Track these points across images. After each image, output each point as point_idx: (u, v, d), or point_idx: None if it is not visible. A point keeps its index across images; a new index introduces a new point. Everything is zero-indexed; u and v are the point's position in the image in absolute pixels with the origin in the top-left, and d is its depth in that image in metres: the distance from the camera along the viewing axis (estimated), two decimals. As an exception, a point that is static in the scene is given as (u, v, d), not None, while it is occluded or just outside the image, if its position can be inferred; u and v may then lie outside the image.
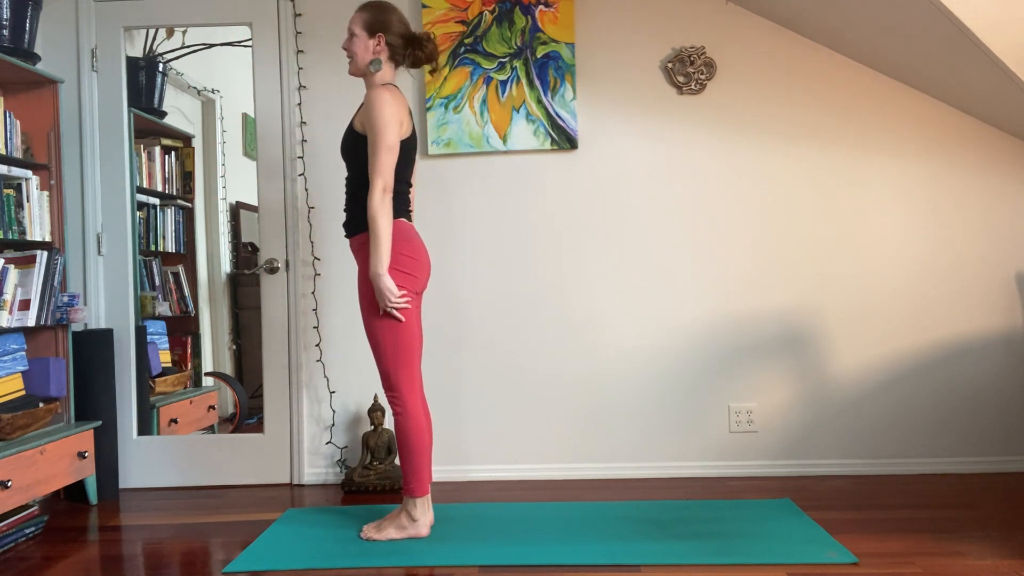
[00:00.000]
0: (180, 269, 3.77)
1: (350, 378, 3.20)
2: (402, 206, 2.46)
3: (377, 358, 2.40)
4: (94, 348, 3.03)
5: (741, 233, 3.15)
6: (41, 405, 2.79)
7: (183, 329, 3.75)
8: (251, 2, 3.19)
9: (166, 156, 3.68)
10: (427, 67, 2.48)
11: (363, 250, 2.40)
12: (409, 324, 2.38)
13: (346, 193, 2.48)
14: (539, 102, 3.12)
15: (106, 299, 3.21)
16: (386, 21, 2.42)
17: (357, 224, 2.42)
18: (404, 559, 2.27)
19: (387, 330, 2.37)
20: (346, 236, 2.48)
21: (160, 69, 3.57)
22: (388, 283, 2.31)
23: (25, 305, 2.75)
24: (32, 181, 2.81)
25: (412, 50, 2.46)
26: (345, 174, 2.56)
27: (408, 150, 2.46)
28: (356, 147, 2.41)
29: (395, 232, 2.39)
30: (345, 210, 2.48)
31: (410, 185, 2.51)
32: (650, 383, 3.16)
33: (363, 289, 2.39)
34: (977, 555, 2.18)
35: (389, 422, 3.19)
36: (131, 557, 2.38)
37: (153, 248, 3.57)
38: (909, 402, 3.12)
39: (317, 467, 3.21)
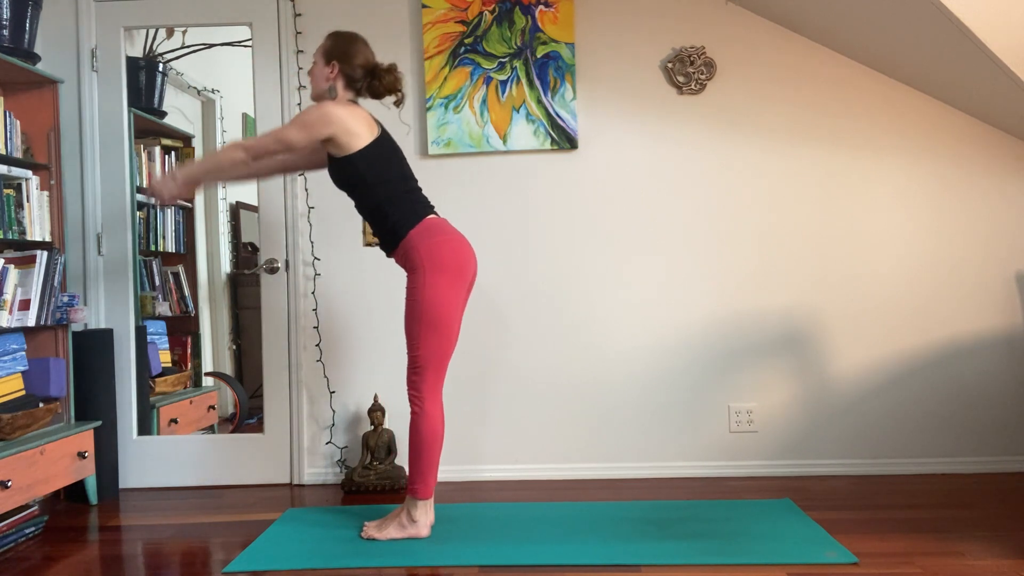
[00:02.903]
0: (180, 269, 3.77)
1: (350, 378, 3.20)
2: (424, 202, 2.46)
3: (411, 359, 2.40)
4: (94, 348, 3.03)
5: (741, 233, 3.15)
6: (41, 405, 2.79)
7: (183, 329, 3.76)
8: (251, 2, 3.19)
9: (166, 156, 3.68)
10: (392, 97, 2.48)
11: (407, 257, 2.39)
12: (452, 335, 2.39)
13: (355, 206, 2.50)
14: (539, 102, 3.12)
15: (106, 299, 3.22)
16: (344, 50, 2.43)
17: (390, 242, 2.43)
18: (404, 559, 2.27)
19: (432, 341, 2.36)
20: (388, 256, 2.50)
21: (160, 69, 3.57)
22: (180, 180, 2.36)
23: (25, 305, 2.75)
24: (32, 181, 2.81)
25: (370, 80, 2.46)
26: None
27: (392, 148, 2.46)
28: (341, 171, 2.43)
29: (432, 226, 2.40)
30: (375, 235, 2.49)
31: (417, 181, 2.51)
32: (650, 383, 3.16)
33: (411, 296, 2.38)
34: (977, 555, 2.18)
35: (389, 422, 3.19)
36: (131, 557, 2.38)
37: (153, 248, 3.57)
38: (909, 402, 3.12)
39: (317, 467, 3.21)
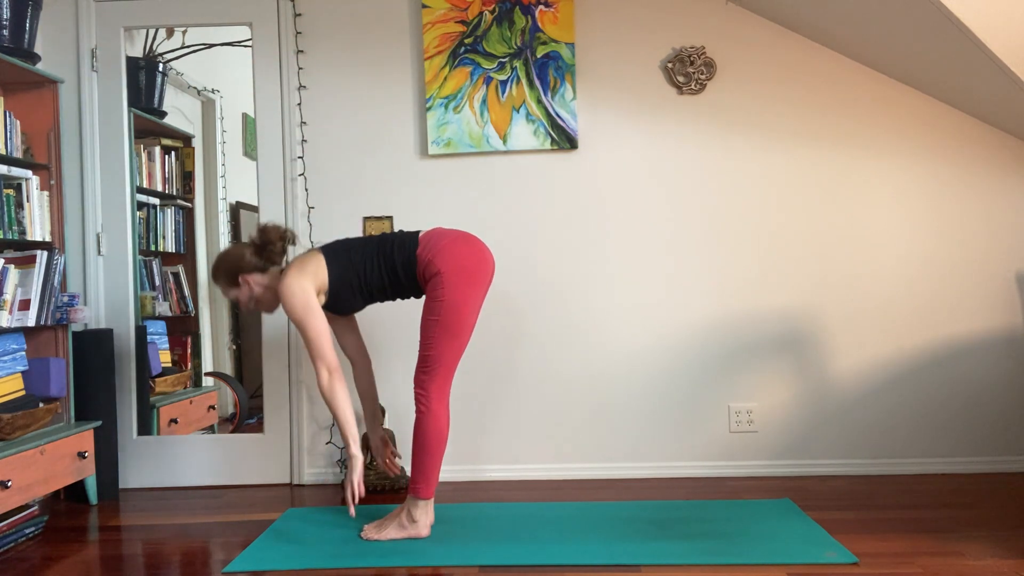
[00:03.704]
0: (180, 269, 3.77)
1: (350, 378, 3.20)
2: (404, 231, 2.51)
3: (423, 357, 2.40)
4: (94, 348, 3.02)
5: (741, 233, 3.15)
6: (41, 405, 2.79)
7: (183, 329, 3.75)
8: (251, 2, 3.19)
9: (166, 156, 3.68)
10: (283, 244, 2.54)
11: (426, 272, 2.40)
12: (466, 338, 2.40)
13: (385, 298, 2.53)
14: (539, 102, 3.12)
15: (106, 299, 3.22)
16: (234, 268, 2.49)
17: (411, 278, 2.44)
18: (404, 559, 2.27)
19: (447, 342, 2.37)
20: (420, 296, 2.51)
21: (160, 69, 3.57)
22: (359, 464, 2.34)
23: (25, 305, 2.75)
24: (32, 181, 2.81)
25: (264, 253, 2.49)
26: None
27: (339, 244, 2.49)
28: (344, 295, 2.46)
29: (431, 236, 2.44)
30: (396, 296, 2.52)
31: (374, 234, 2.57)
32: (650, 383, 3.16)
33: (431, 295, 2.38)
34: (977, 555, 2.18)
35: (389, 422, 3.19)
36: (131, 557, 2.38)
37: (153, 248, 3.57)
38: (909, 402, 3.12)
39: (317, 467, 3.21)
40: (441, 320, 2.36)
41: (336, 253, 2.45)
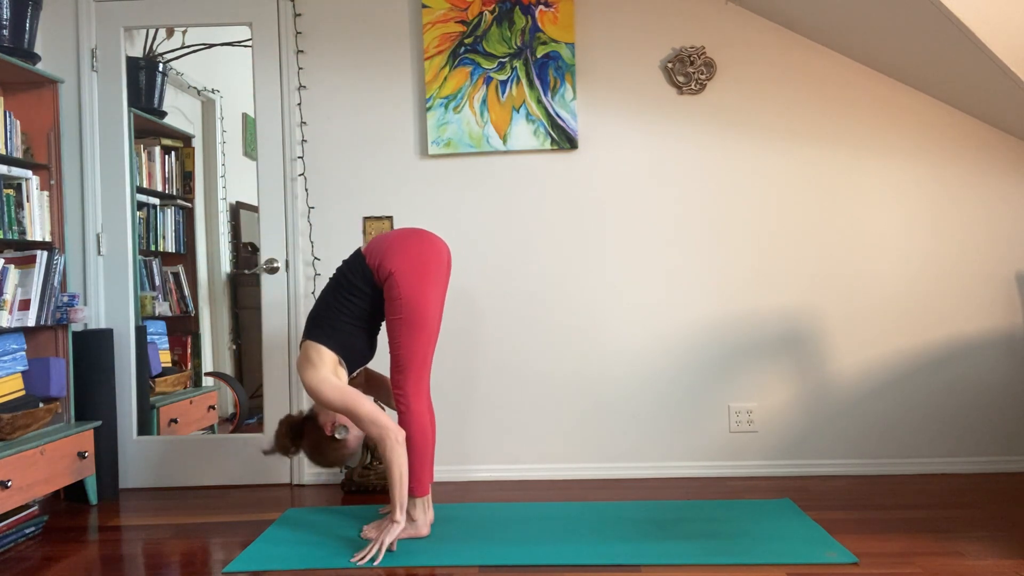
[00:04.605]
0: (180, 269, 3.77)
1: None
2: (352, 258, 2.50)
3: (394, 359, 2.41)
4: (94, 348, 3.03)
5: (741, 233, 3.15)
6: (41, 405, 2.79)
7: (183, 329, 3.76)
8: (251, 2, 3.19)
9: (166, 156, 3.68)
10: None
11: (379, 273, 2.40)
12: (433, 332, 2.41)
13: (380, 319, 2.51)
14: (539, 102, 3.12)
15: (106, 299, 3.22)
16: (325, 441, 2.45)
17: (373, 286, 2.43)
18: (404, 559, 2.27)
19: (413, 338, 2.38)
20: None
21: (160, 69, 3.57)
22: (398, 530, 2.32)
23: (25, 305, 2.75)
24: (32, 181, 2.81)
25: (304, 427, 2.48)
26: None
27: (316, 308, 2.48)
28: (354, 341, 2.45)
29: (374, 242, 2.46)
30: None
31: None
32: (650, 383, 3.16)
33: (389, 294, 2.38)
34: (977, 555, 2.18)
35: (389, 422, 3.19)
36: (131, 557, 2.38)
37: (153, 248, 3.57)
38: (909, 402, 3.12)
39: (317, 467, 3.21)
40: (403, 318, 2.37)
41: (316, 324, 2.44)
